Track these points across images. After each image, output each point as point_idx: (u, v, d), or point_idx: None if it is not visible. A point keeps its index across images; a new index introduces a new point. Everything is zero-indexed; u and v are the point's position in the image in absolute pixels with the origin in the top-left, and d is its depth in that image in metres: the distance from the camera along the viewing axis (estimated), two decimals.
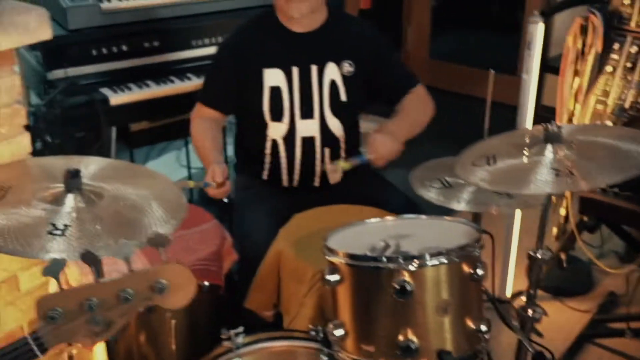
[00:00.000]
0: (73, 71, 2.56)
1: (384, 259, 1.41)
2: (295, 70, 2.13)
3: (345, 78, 2.16)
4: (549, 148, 1.49)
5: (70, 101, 2.48)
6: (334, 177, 2.12)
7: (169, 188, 1.51)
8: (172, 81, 2.70)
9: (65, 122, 2.44)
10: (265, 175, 2.23)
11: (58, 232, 1.33)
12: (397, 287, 1.39)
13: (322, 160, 2.19)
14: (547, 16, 4.06)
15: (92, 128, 2.60)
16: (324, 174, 2.18)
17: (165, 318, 1.82)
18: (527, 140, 1.53)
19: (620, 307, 2.71)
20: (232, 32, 2.27)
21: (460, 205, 1.78)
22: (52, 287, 1.94)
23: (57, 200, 1.43)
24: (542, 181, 1.40)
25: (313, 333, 1.65)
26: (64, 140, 2.45)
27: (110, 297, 1.07)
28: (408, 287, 1.39)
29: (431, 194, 1.80)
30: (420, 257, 1.41)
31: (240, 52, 2.16)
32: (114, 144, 2.70)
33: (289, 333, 1.69)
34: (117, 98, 2.58)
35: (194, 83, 2.70)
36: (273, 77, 2.13)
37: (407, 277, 1.40)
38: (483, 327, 1.49)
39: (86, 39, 2.58)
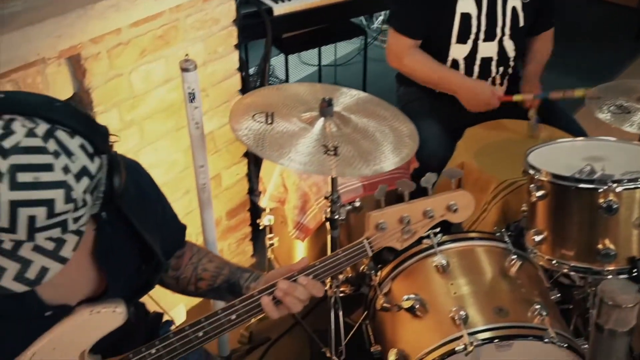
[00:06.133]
0: None
1: (595, 182, 1.67)
2: None
3: (524, 5, 2.36)
4: None
5: (242, 12, 2.68)
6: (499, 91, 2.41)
7: (401, 122, 1.76)
8: None
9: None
10: None
11: (331, 152, 1.61)
12: (604, 205, 1.66)
13: (494, 78, 2.42)
14: None
15: (258, 37, 2.83)
16: None
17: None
18: None
19: None
20: None
21: (632, 128, 1.97)
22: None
23: (312, 124, 1.70)
24: None
25: (498, 235, 1.96)
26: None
27: (418, 214, 1.37)
28: (614, 206, 1.65)
29: (606, 116, 2.00)
30: (625, 181, 1.66)
31: None
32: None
33: (484, 234, 1.98)
34: (279, 8, 2.78)
35: None
36: (465, 4, 2.31)
37: (612, 197, 1.66)
38: None
39: None
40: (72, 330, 1.17)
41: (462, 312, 1.71)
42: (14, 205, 0.93)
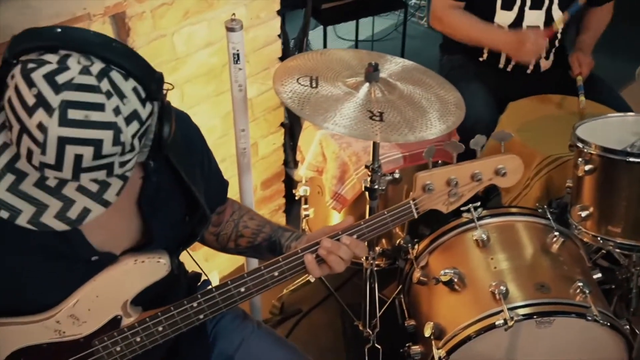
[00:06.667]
0: None
1: None
2: None
3: None
4: None
5: None
6: (545, 64, 2.38)
7: (447, 91, 1.72)
8: None
9: None
10: (484, 56, 2.41)
11: (377, 117, 1.57)
12: None
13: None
14: None
15: (297, 7, 2.80)
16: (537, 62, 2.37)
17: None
18: None
19: None
20: None
21: None
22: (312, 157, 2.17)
23: (357, 89, 1.67)
24: None
25: (540, 211, 1.91)
26: None
27: (466, 176, 1.34)
28: None
29: None
30: None
31: None
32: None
33: (525, 210, 1.93)
34: None
35: None
36: None
37: None
38: None
39: None
40: (115, 279, 1.16)
41: (502, 287, 1.67)
42: (62, 141, 0.92)
